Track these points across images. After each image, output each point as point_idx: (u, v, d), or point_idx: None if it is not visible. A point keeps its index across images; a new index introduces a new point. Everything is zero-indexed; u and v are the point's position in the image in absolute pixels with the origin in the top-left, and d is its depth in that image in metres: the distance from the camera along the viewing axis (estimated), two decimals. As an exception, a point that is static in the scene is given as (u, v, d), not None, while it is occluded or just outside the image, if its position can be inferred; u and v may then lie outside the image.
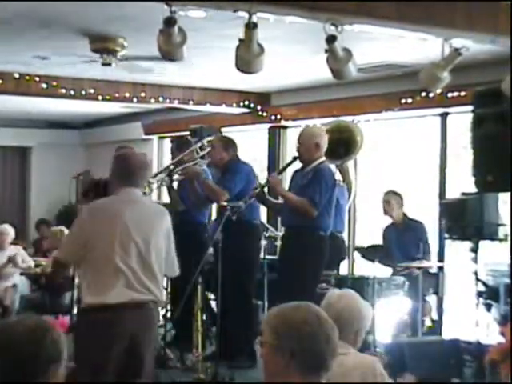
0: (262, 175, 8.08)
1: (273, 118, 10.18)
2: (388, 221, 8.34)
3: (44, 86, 9.06)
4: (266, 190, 6.89)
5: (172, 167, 7.64)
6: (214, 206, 7.93)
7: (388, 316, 7.83)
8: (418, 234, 7.94)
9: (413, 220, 8.19)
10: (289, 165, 7.06)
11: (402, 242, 7.97)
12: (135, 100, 9.73)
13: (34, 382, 2.44)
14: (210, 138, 7.72)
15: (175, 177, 7.62)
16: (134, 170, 4.50)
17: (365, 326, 3.73)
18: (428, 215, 8.55)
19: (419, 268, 7.33)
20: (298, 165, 6.93)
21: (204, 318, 6.95)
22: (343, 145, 7.99)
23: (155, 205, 4.65)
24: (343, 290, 3.97)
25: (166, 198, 8.29)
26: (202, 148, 7.71)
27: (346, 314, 3.60)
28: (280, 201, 6.92)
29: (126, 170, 4.51)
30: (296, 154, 6.81)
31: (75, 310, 7.24)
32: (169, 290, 7.53)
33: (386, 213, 8.25)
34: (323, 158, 6.78)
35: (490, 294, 6.75)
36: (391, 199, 8.19)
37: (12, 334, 2.48)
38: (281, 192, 6.80)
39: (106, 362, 4.28)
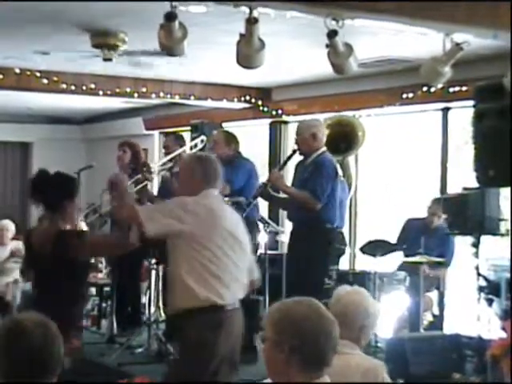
0: (262, 170, 8.06)
1: (274, 113, 10.16)
2: (413, 215, 8.15)
3: (45, 81, 9.04)
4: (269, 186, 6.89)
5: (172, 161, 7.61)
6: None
7: (389, 311, 7.82)
8: (444, 240, 7.76)
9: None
10: (289, 158, 7.06)
11: (424, 244, 7.43)
12: (136, 95, 9.71)
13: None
14: (204, 138, 7.70)
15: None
16: (217, 173, 4.54)
17: (371, 323, 3.71)
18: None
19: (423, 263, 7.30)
20: (299, 157, 6.94)
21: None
22: (344, 140, 7.97)
23: None
24: (354, 286, 3.96)
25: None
26: (201, 142, 7.70)
27: (352, 309, 3.61)
28: (285, 195, 6.92)
29: (213, 172, 4.53)
30: (295, 147, 6.82)
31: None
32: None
33: (431, 222, 7.94)
34: (323, 149, 6.77)
35: (491, 289, 6.74)
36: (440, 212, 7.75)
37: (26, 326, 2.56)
38: (282, 187, 6.80)
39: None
